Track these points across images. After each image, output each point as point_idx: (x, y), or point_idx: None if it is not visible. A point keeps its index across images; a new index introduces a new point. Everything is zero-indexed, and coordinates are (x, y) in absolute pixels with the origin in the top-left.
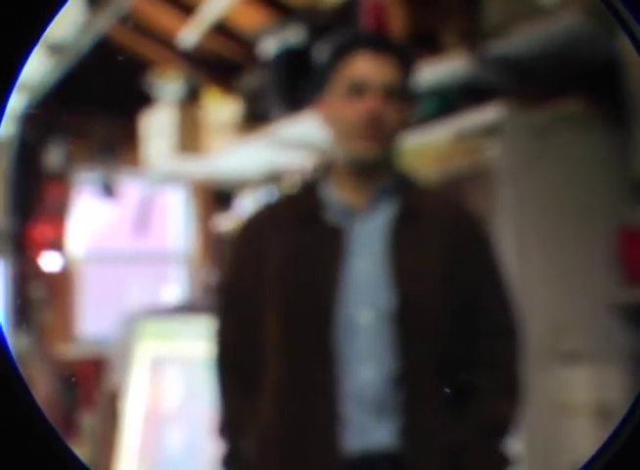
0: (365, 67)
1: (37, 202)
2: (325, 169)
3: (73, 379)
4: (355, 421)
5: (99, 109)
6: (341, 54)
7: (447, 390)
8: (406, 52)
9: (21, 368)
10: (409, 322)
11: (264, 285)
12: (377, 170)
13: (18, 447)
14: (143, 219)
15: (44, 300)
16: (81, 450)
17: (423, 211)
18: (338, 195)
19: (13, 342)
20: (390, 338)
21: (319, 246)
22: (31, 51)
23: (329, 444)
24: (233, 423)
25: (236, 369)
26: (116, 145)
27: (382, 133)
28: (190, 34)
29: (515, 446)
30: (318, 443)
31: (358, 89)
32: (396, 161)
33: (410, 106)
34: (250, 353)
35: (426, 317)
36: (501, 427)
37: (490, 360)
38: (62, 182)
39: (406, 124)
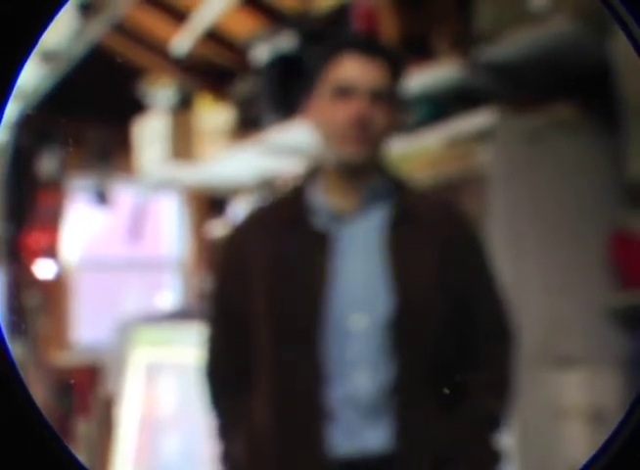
0: (352, 69)
1: (31, 209)
2: (313, 174)
3: (72, 384)
4: (348, 425)
5: (92, 116)
6: (328, 57)
7: (445, 390)
8: (395, 56)
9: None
10: (406, 327)
11: (253, 291)
12: (365, 173)
13: (19, 451)
14: (137, 226)
15: (39, 307)
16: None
17: (416, 214)
18: (326, 199)
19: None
20: (385, 343)
21: (307, 251)
22: (27, 59)
23: (321, 448)
24: (225, 429)
25: (226, 376)
26: (110, 152)
27: (369, 136)
28: (182, 41)
29: (509, 448)
30: (310, 447)
31: (345, 92)
32: (385, 163)
33: (399, 110)
34: (241, 360)
35: (422, 322)
36: (493, 429)
37: (483, 362)
38: (56, 190)
39: (395, 128)
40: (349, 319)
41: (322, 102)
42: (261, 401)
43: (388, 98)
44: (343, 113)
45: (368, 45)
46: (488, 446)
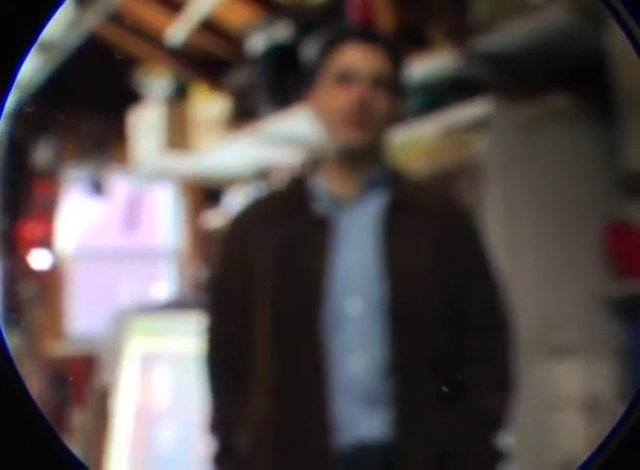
0: (353, 56)
1: (26, 199)
2: (313, 163)
3: (70, 377)
4: (347, 413)
5: (88, 106)
6: (330, 45)
7: (440, 383)
8: (395, 44)
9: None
10: (399, 313)
11: (253, 279)
12: (365, 160)
13: (14, 444)
14: (132, 217)
15: (34, 298)
16: (72, 448)
17: (413, 203)
18: (326, 186)
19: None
20: (380, 328)
21: (307, 236)
22: (29, 52)
23: (321, 436)
24: (224, 420)
25: (226, 366)
26: (105, 142)
27: (370, 121)
28: (178, 31)
29: (505, 439)
30: (310, 436)
31: (346, 78)
32: (385, 153)
33: (399, 99)
34: (240, 350)
35: (416, 308)
36: (493, 421)
37: (482, 354)
38: (51, 180)
39: (395, 117)
40: (346, 304)
41: (324, 90)
42: (261, 389)
43: (389, 85)
44: (344, 98)
45: (369, 34)
46: (490, 444)
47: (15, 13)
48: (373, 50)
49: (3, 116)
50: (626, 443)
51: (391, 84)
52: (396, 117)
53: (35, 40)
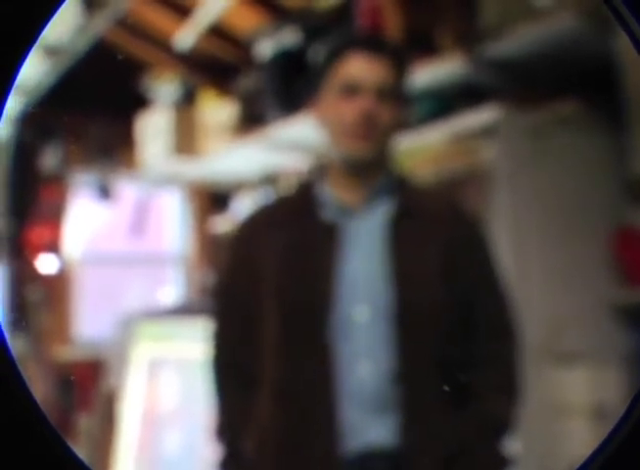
0: (358, 67)
1: (34, 204)
2: (320, 170)
3: (73, 379)
4: (354, 419)
5: (95, 111)
6: (335, 55)
7: (446, 388)
8: (400, 53)
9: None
10: (406, 319)
11: (261, 285)
12: (371, 169)
13: (19, 448)
14: (139, 221)
15: (41, 302)
16: (78, 453)
17: (420, 210)
18: (333, 193)
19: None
20: (388, 335)
21: (315, 243)
22: (28, 53)
23: (327, 442)
24: (231, 425)
25: (234, 371)
26: (113, 147)
27: (375, 133)
28: (186, 36)
29: (511, 446)
30: (317, 442)
31: (351, 89)
32: (391, 160)
33: (404, 107)
34: (247, 355)
35: (423, 315)
36: (499, 427)
37: (488, 360)
38: (58, 184)
39: (400, 125)
40: (353, 311)
41: (329, 99)
42: (268, 395)
43: (394, 95)
44: (350, 110)
45: (373, 43)
46: (495, 448)
47: (15, 13)
48: (378, 60)
49: (4, 117)
50: (626, 443)
51: (396, 94)
52: (401, 126)
53: (35, 41)
